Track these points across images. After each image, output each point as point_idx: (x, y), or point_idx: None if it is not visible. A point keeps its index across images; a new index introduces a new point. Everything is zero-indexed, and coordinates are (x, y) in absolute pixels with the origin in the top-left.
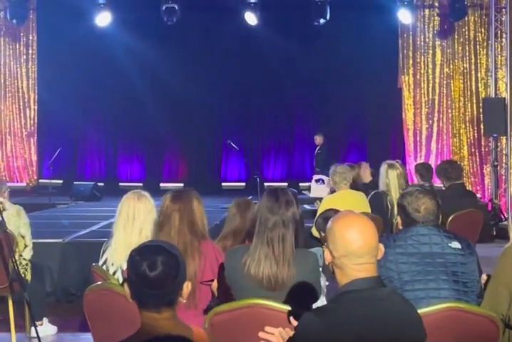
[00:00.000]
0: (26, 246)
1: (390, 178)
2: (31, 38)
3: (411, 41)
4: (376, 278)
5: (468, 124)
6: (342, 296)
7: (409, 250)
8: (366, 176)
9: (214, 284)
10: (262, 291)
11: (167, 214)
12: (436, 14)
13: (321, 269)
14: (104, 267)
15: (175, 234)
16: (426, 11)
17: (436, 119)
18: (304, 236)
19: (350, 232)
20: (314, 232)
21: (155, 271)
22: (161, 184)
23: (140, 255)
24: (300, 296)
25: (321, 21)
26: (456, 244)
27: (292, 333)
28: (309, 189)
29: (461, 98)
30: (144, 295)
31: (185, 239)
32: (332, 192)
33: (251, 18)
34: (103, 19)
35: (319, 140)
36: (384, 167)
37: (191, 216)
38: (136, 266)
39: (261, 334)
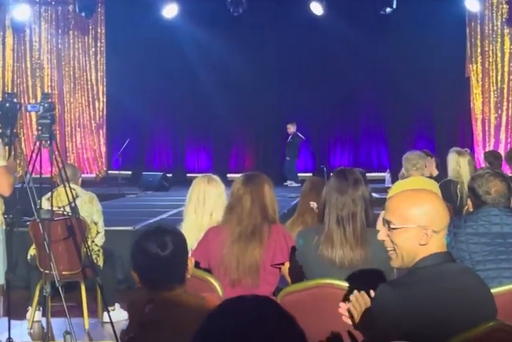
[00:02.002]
0: (98, 233)
1: (461, 165)
2: (99, 30)
3: (478, 30)
4: (448, 254)
5: None
6: (419, 270)
7: (480, 230)
8: (433, 170)
9: (285, 267)
10: (335, 270)
11: (238, 195)
12: (504, 2)
13: None
14: None
15: (245, 215)
16: None
17: (505, 108)
18: (373, 215)
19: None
20: None
21: (167, 250)
22: (228, 175)
23: (146, 238)
24: (371, 277)
25: (388, 9)
26: None
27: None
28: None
29: None
30: (156, 276)
31: (255, 221)
32: None
33: (317, 8)
34: (170, 11)
35: (292, 128)
36: (453, 155)
37: (262, 199)
38: (146, 250)
39: (340, 310)
